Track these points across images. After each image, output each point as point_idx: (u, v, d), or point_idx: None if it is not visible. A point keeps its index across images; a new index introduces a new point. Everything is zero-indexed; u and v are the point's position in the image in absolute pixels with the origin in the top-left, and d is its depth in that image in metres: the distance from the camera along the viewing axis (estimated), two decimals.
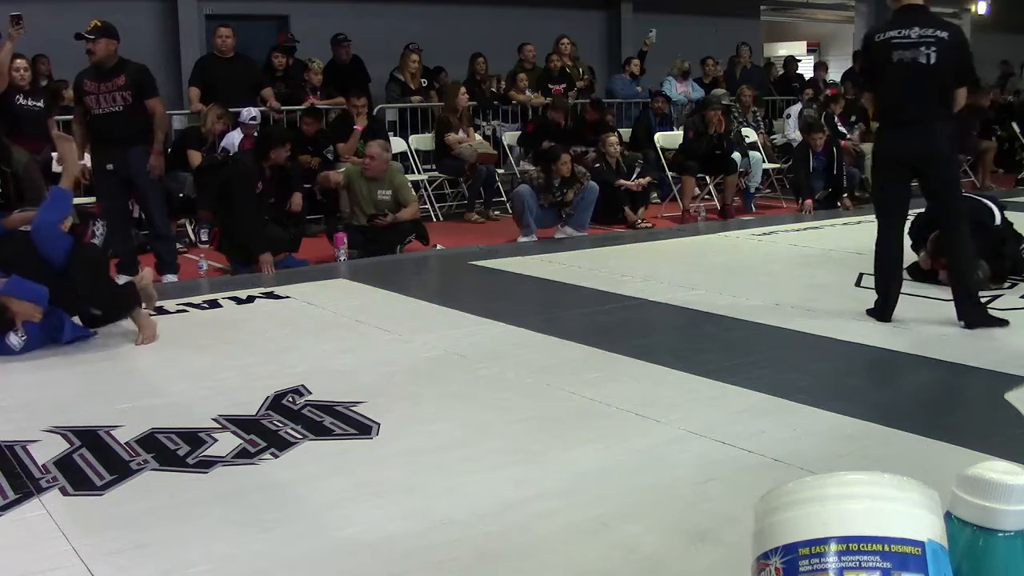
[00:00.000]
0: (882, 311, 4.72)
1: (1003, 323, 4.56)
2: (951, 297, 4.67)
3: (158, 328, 4.61)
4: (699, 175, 9.28)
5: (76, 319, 4.53)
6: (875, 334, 4.44)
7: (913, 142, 4.54)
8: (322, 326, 4.85)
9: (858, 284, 5.51)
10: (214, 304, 5.37)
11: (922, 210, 5.35)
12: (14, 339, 4.27)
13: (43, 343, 4.35)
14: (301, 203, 7.29)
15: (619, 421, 3.30)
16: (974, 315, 4.56)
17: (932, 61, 4.41)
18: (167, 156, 6.97)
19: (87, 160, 6.37)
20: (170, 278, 6.14)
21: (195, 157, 7.79)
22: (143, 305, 4.66)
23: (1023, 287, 5.37)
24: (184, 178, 7.67)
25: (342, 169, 7.54)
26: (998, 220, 5.59)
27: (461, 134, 9.25)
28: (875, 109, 4.79)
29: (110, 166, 6.08)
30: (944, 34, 4.45)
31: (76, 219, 4.61)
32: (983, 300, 4.86)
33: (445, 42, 10.72)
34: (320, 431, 3.25)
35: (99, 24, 6.02)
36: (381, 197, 7.07)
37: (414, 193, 7.64)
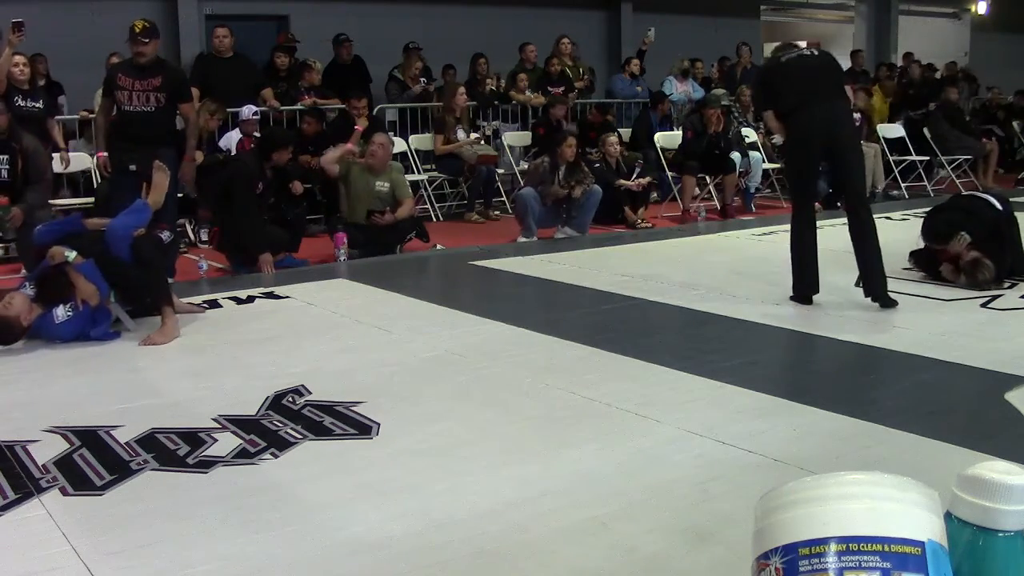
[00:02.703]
0: (804, 293, 5.05)
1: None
2: (951, 297, 4.68)
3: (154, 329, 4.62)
4: (699, 175, 9.27)
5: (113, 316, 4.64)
6: (875, 334, 4.44)
7: (824, 121, 4.98)
8: (322, 326, 4.85)
9: (858, 284, 5.49)
10: (214, 304, 5.37)
11: (939, 202, 5.53)
12: (60, 311, 4.39)
13: (80, 331, 4.44)
14: (302, 188, 7.27)
15: (619, 421, 3.30)
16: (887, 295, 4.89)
17: (816, 55, 5.11)
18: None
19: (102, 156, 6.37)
20: None
21: (197, 156, 7.77)
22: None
23: (1023, 287, 5.36)
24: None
25: (338, 153, 7.43)
26: (999, 207, 5.60)
27: (460, 134, 9.24)
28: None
29: (133, 167, 6.04)
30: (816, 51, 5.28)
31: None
32: (984, 301, 4.89)
33: (446, 42, 10.72)
34: (320, 431, 3.25)
35: (147, 25, 6.00)
36: (379, 188, 7.04)
37: (410, 191, 7.64)
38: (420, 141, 9.54)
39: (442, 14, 11.40)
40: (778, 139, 11.16)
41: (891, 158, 10.61)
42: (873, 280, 4.87)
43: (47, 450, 3.08)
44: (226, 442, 3.14)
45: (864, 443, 3.04)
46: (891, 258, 5.99)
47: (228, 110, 8.36)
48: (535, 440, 3.14)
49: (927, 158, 10.69)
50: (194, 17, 10.19)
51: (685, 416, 3.30)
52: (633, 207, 8.68)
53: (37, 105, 7.20)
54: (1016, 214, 5.73)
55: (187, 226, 8.00)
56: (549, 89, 10.37)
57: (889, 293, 4.88)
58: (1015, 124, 12.51)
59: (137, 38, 5.94)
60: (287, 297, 5.53)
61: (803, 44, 5.11)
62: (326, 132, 8.69)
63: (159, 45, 6.06)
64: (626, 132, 10.26)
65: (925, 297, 5.22)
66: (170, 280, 6.11)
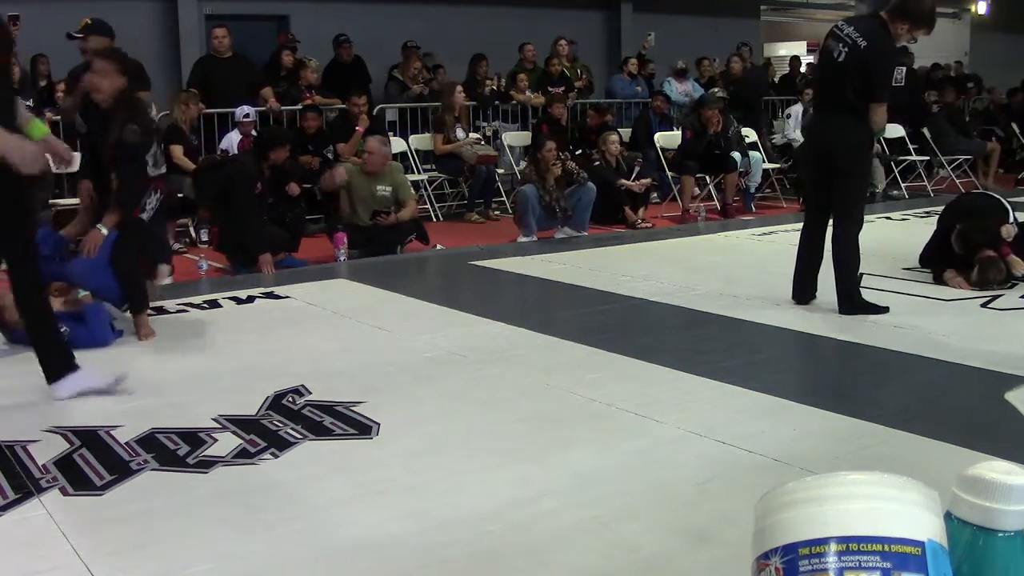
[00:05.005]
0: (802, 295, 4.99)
1: (883, 310, 4.74)
2: (951, 297, 4.68)
3: (156, 328, 4.63)
4: (698, 175, 9.27)
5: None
6: (875, 334, 4.44)
7: (817, 131, 4.94)
8: (322, 326, 4.85)
9: (858, 284, 5.49)
10: (214, 304, 5.36)
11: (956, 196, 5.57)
12: None
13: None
14: (298, 190, 7.27)
15: (619, 421, 3.30)
16: (848, 306, 4.75)
17: (840, 59, 4.58)
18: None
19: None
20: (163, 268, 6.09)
21: (177, 151, 7.73)
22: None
23: (1023, 287, 5.36)
24: (182, 178, 7.65)
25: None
26: (1011, 218, 5.61)
27: (460, 133, 9.24)
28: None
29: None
30: (862, 43, 4.52)
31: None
32: (984, 301, 4.91)
33: (445, 42, 10.73)
34: (320, 431, 3.25)
35: (88, 22, 6.03)
36: (381, 193, 7.05)
37: (413, 191, 7.64)
38: (420, 141, 9.54)
39: (442, 14, 11.40)
40: (778, 138, 11.20)
41: (891, 158, 10.61)
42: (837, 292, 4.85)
43: (47, 450, 3.07)
44: (226, 442, 3.14)
45: (864, 443, 3.04)
46: (891, 259, 6.01)
47: (227, 110, 8.36)
48: (535, 440, 3.14)
49: (927, 158, 10.69)
50: (194, 17, 10.19)
51: (685, 416, 3.30)
52: (633, 207, 8.68)
53: (28, 104, 7.25)
54: (1016, 214, 5.73)
55: (188, 226, 8.00)
56: (549, 89, 10.37)
57: (865, 297, 4.83)
58: (1014, 124, 12.50)
59: (74, 36, 5.99)
60: (287, 297, 5.53)
61: (847, 31, 4.59)
62: (326, 132, 8.70)
63: (110, 42, 6.05)
64: (626, 132, 10.26)
65: (925, 297, 5.21)
66: (169, 280, 6.12)
